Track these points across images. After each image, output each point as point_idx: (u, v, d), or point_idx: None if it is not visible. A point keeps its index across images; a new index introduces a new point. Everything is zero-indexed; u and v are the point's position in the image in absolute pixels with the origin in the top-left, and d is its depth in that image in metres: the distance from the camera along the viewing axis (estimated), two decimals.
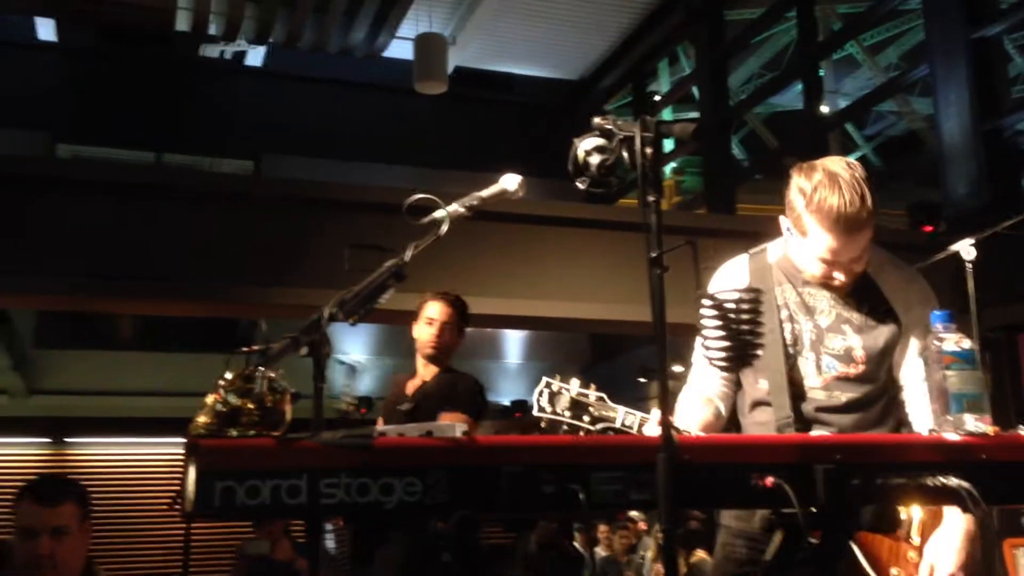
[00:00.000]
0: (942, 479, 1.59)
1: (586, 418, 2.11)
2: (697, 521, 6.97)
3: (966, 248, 2.87)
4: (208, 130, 10.14)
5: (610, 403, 2.13)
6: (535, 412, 2.18)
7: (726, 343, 1.73)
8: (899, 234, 7.88)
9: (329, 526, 4.83)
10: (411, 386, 3.86)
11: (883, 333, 2.20)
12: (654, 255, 1.60)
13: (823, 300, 2.25)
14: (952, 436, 1.73)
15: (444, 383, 3.78)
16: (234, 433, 1.56)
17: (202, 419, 1.56)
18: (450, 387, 3.75)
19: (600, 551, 9.29)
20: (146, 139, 10.08)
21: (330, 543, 4.92)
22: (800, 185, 2.17)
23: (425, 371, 3.84)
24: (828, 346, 2.22)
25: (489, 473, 1.60)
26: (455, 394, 3.68)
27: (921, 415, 2.13)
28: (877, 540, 2.04)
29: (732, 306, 1.74)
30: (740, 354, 1.70)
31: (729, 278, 2.37)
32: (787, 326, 2.25)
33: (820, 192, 2.12)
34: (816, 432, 2.17)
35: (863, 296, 2.23)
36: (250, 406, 1.57)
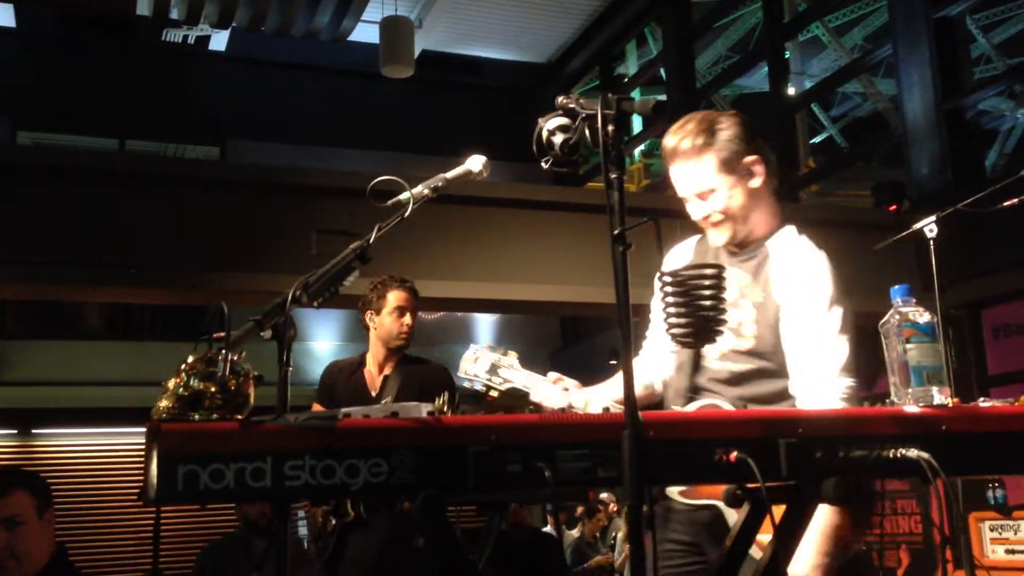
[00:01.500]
0: (903, 451, 1.61)
1: (497, 379, 2.31)
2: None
3: (930, 226, 2.91)
4: (172, 116, 10.02)
5: (519, 367, 2.31)
6: (459, 373, 2.37)
7: (687, 319, 1.74)
8: (864, 213, 7.97)
9: (302, 512, 4.81)
10: (371, 377, 3.81)
11: (774, 308, 2.20)
12: (616, 232, 1.60)
13: (732, 276, 2.26)
14: (912, 408, 1.75)
15: (421, 374, 3.74)
16: (196, 417, 1.54)
17: (164, 403, 1.54)
18: (428, 378, 3.72)
19: (573, 533, 9.36)
20: (109, 126, 9.94)
21: (303, 530, 4.90)
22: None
23: (385, 361, 3.79)
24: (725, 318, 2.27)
25: (455, 453, 1.60)
26: (435, 385, 3.65)
27: (793, 380, 2.15)
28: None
29: (695, 283, 1.75)
30: (702, 331, 1.70)
31: (675, 257, 2.41)
32: None
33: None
34: (705, 400, 2.23)
35: (759, 272, 2.25)
36: (212, 389, 1.55)
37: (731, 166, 2.21)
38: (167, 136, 10.15)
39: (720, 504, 2.11)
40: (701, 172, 2.22)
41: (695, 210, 2.28)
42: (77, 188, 5.09)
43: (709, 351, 2.27)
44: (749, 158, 2.23)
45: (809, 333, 2.14)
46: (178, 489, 1.49)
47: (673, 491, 2.28)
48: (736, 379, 2.23)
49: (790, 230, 2.30)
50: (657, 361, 2.42)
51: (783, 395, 2.18)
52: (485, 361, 2.33)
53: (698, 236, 2.42)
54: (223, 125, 10.17)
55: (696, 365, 2.31)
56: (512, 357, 2.33)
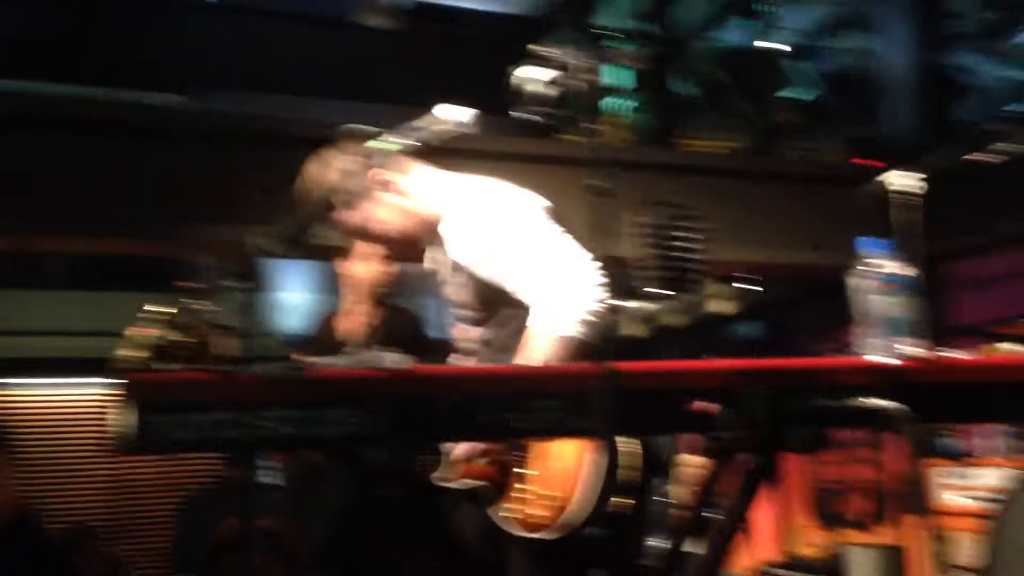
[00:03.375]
0: (867, 400, 1.63)
1: None
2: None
3: (902, 181, 2.91)
4: (132, 62, 9.77)
5: None
6: None
7: (664, 271, 1.74)
8: (839, 167, 8.00)
9: (265, 461, 4.81)
10: (343, 325, 3.80)
11: (461, 274, 2.22)
12: (590, 183, 1.59)
13: (439, 258, 2.31)
14: (878, 358, 1.77)
15: (388, 321, 3.73)
16: (167, 367, 1.54)
17: (130, 352, 1.53)
18: (397, 325, 3.72)
19: None
20: (65, 71, 9.69)
21: (266, 474, 4.91)
22: None
23: (355, 309, 3.77)
24: (449, 298, 2.32)
25: (427, 403, 1.61)
26: (402, 333, 3.64)
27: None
28: (489, 476, 2.11)
29: (672, 234, 1.75)
30: (678, 280, 1.71)
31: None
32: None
33: None
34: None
35: (445, 247, 2.26)
36: (183, 340, 1.55)
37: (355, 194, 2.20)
38: (128, 83, 9.91)
39: (474, 482, 2.16)
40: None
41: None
42: (37, 135, 4.98)
43: (456, 330, 2.34)
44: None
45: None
46: (149, 439, 1.49)
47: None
48: (479, 347, 2.26)
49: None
50: None
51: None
52: None
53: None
54: (186, 72, 9.95)
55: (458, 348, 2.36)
56: None
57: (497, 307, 2.20)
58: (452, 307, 2.30)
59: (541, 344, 1.98)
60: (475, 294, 2.21)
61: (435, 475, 2.30)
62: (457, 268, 2.21)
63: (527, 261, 2.07)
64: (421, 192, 2.29)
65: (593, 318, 1.95)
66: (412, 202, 2.28)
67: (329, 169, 2.17)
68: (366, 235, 2.29)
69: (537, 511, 1.98)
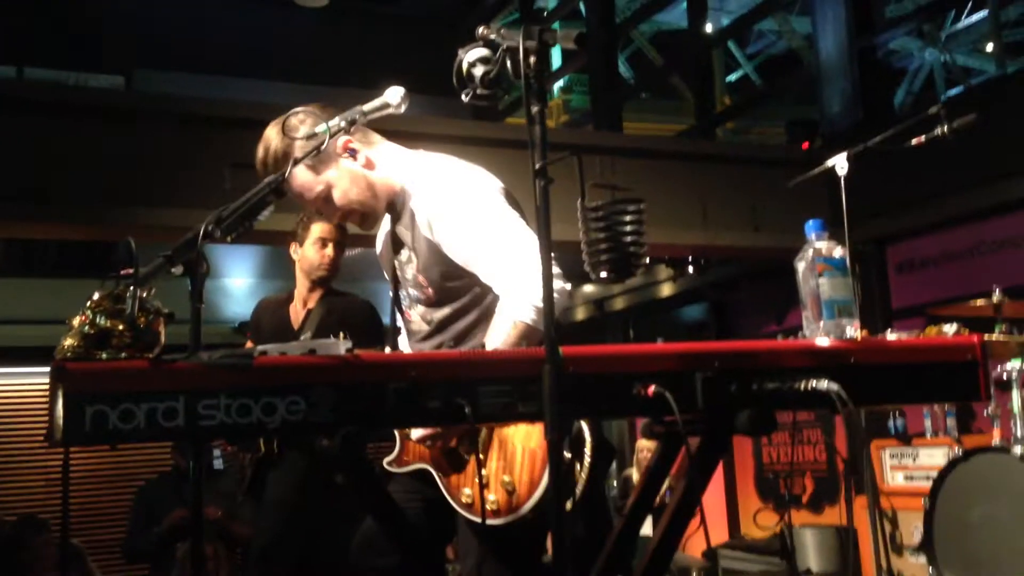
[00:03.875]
0: (814, 382, 1.65)
1: None
2: None
3: (840, 163, 2.96)
4: (74, 43, 9.54)
5: None
6: None
7: (611, 254, 1.74)
8: (778, 150, 8.11)
9: (217, 451, 4.78)
10: (295, 311, 3.77)
11: (425, 253, 2.20)
12: (538, 166, 1.59)
13: (399, 236, 2.28)
14: (823, 341, 1.80)
15: (340, 308, 3.70)
16: (104, 356, 1.50)
17: (68, 342, 1.49)
18: (349, 312, 3.69)
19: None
20: (5, 52, 9.43)
21: (217, 463, 4.88)
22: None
23: (308, 295, 3.75)
24: (407, 278, 2.29)
25: (375, 389, 1.59)
26: (356, 321, 3.62)
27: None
28: (445, 462, 2.13)
29: (618, 217, 1.75)
30: (623, 263, 1.71)
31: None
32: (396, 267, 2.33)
33: None
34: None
35: (411, 224, 2.23)
36: (120, 327, 1.50)
37: (320, 160, 2.19)
38: (68, 64, 9.67)
39: (429, 467, 2.17)
40: (293, 180, 2.16)
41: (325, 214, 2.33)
42: None
43: (408, 312, 2.32)
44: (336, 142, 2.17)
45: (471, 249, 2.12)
46: (86, 430, 1.46)
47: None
48: (438, 329, 2.24)
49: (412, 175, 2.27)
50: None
51: (477, 324, 2.18)
52: None
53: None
54: (129, 53, 9.74)
55: (408, 331, 2.34)
56: None
57: (456, 288, 2.19)
58: (410, 287, 2.27)
59: (505, 330, 1.97)
60: (440, 274, 2.18)
61: (388, 460, 2.29)
62: (423, 246, 2.18)
63: (495, 245, 2.07)
64: (386, 164, 2.26)
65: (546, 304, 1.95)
66: (377, 173, 2.25)
67: (292, 132, 2.12)
68: (327, 203, 2.25)
69: (494, 496, 1.98)
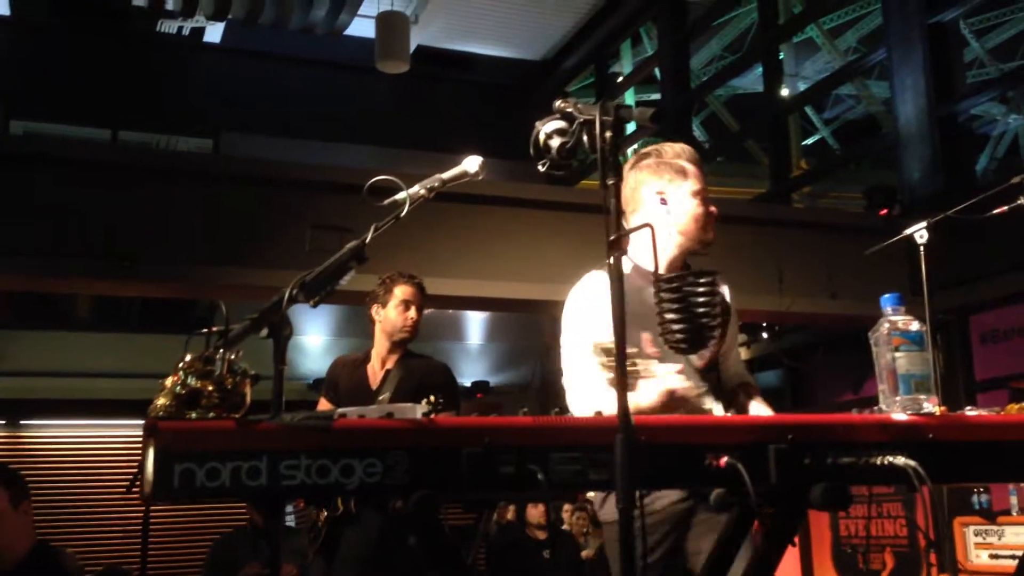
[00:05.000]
0: (890, 458, 1.63)
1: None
2: None
3: (920, 232, 2.93)
4: (165, 108, 9.98)
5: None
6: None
7: (684, 325, 1.76)
8: (856, 216, 8.00)
9: (289, 507, 4.84)
10: (373, 372, 3.82)
11: None
12: (612, 238, 1.62)
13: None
14: (900, 416, 1.78)
15: (421, 370, 3.75)
16: (193, 415, 1.56)
17: (161, 401, 1.55)
18: (428, 375, 3.73)
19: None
20: (101, 116, 9.89)
21: (290, 520, 4.95)
22: (640, 163, 2.40)
23: (388, 356, 3.80)
24: None
25: (449, 454, 1.62)
26: (436, 382, 3.66)
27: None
28: None
29: (690, 289, 1.77)
30: (697, 336, 1.72)
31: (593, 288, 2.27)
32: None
33: (665, 147, 2.40)
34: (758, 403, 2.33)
35: None
36: (210, 388, 1.57)
37: None
38: (159, 128, 10.10)
39: None
40: None
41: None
42: (69, 178, 5.07)
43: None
44: None
45: None
46: (174, 487, 1.51)
47: None
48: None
49: None
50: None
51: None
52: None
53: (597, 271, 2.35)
54: (216, 118, 10.13)
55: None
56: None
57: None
58: None
59: None
60: None
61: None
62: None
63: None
64: None
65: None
66: None
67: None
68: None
69: None
